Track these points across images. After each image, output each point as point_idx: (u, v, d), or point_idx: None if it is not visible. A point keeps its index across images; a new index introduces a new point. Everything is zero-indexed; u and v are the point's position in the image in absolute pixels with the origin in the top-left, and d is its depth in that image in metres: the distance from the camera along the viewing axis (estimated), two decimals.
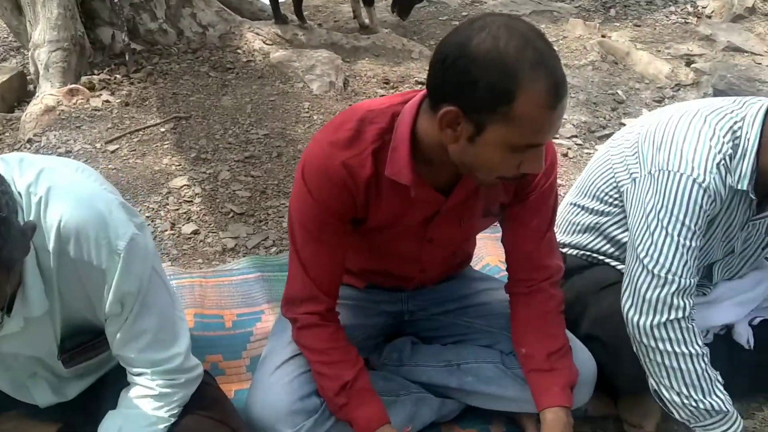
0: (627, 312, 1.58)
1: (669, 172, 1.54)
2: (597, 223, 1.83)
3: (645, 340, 1.56)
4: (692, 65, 3.94)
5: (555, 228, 1.99)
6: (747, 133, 1.54)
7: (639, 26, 4.59)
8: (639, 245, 1.57)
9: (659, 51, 4.21)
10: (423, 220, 1.49)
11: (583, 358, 1.66)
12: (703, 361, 1.54)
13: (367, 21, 4.40)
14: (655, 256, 1.53)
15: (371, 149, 1.35)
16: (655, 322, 1.53)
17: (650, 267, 1.54)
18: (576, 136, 3.25)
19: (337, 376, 1.49)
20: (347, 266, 1.69)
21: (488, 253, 2.38)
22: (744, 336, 1.89)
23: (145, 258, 1.25)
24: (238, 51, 3.80)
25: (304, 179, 1.39)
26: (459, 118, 1.20)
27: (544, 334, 1.58)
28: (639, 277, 1.56)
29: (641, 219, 1.58)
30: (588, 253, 1.87)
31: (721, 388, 1.55)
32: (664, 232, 1.53)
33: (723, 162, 1.52)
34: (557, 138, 3.26)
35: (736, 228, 1.68)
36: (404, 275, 1.70)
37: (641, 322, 1.55)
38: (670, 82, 3.83)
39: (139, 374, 1.32)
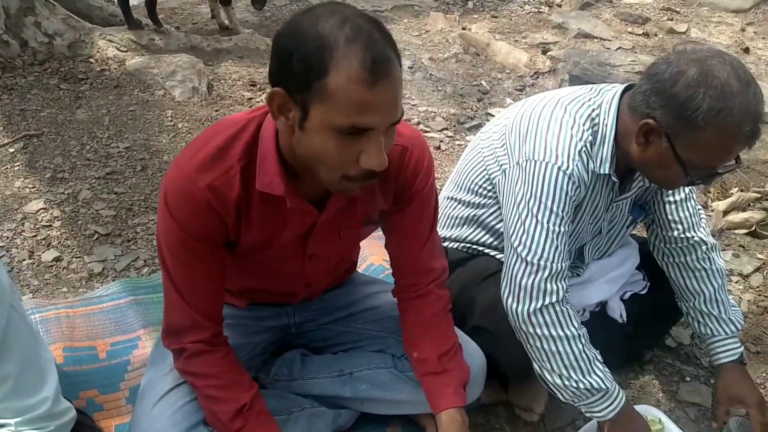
0: (506, 300, 1.62)
1: (535, 161, 1.58)
2: (474, 215, 1.86)
3: (524, 327, 1.60)
4: (548, 53, 4.12)
5: (441, 221, 2.02)
6: (604, 119, 1.61)
7: (496, 17, 4.75)
8: (512, 234, 1.61)
9: (517, 41, 4.37)
10: (300, 237, 1.44)
11: (472, 353, 1.68)
12: (580, 342, 1.60)
13: (226, 22, 4.26)
14: (528, 243, 1.57)
15: (239, 167, 1.28)
16: (532, 308, 1.58)
17: (524, 255, 1.58)
18: (446, 129, 3.31)
19: (232, 399, 1.42)
20: (226, 287, 1.61)
21: (372, 253, 2.36)
22: (617, 311, 1.98)
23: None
24: (91, 60, 3.56)
25: (167, 207, 1.30)
26: (288, 103, 1.14)
27: (434, 336, 1.58)
28: (514, 265, 1.59)
29: (513, 209, 1.62)
30: (468, 245, 1.90)
31: (601, 366, 1.62)
32: (534, 220, 1.57)
33: (584, 149, 1.58)
34: (429, 131, 3.30)
35: (602, 210, 1.76)
36: (288, 292, 1.65)
37: (519, 309, 1.59)
38: (529, 70, 3.99)
39: (2, 426, 1.19)
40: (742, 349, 1.87)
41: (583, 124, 1.60)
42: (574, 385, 1.59)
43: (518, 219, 1.60)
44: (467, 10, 4.86)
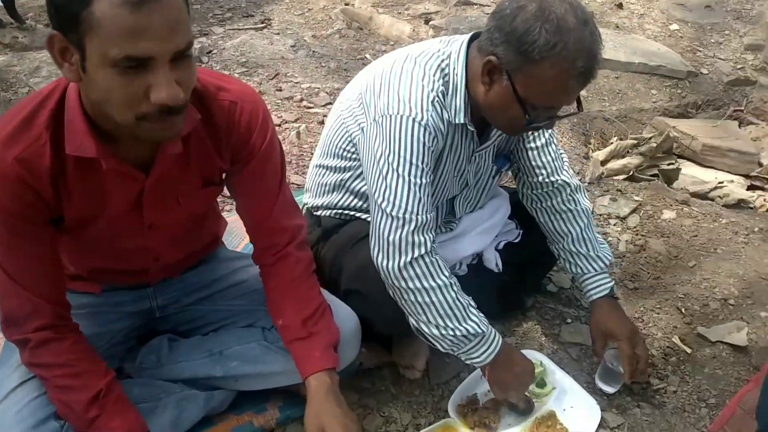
0: (376, 258, 1.60)
1: (390, 116, 1.56)
2: (341, 180, 1.83)
3: (396, 282, 1.59)
4: (430, 23, 4.14)
5: (307, 193, 1.98)
6: (454, 68, 1.61)
7: None
8: (375, 191, 1.59)
9: (400, 13, 4.37)
10: (132, 206, 1.37)
11: (344, 315, 1.66)
12: (453, 290, 1.60)
13: None
14: (391, 198, 1.56)
15: (47, 135, 1.20)
16: (401, 262, 1.56)
17: (388, 210, 1.56)
18: (330, 104, 3.27)
19: (86, 387, 1.35)
20: (75, 271, 1.53)
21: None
22: (492, 261, 2.00)
23: None
24: None
25: None
26: (66, 46, 1.08)
27: (297, 301, 1.54)
28: (380, 222, 1.58)
29: (374, 165, 1.60)
30: (340, 211, 1.87)
31: (475, 311, 1.63)
32: (395, 174, 1.56)
33: (437, 99, 1.57)
34: (312, 107, 3.26)
35: (464, 161, 1.76)
36: (138, 269, 1.57)
37: (389, 265, 1.58)
38: (412, 41, 3.99)
39: None
40: (612, 284, 1.92)
41: (434, 75, 1.59)
42: (452, 333, 1.59)
43: (379, 175, 1.58)
44: None
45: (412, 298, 1.59)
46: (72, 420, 1.37)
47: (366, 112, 1.66)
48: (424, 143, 1.56)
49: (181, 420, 1.58)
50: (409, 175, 1.56)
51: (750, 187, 3.12)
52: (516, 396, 1.71)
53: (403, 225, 1.56)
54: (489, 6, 4.33)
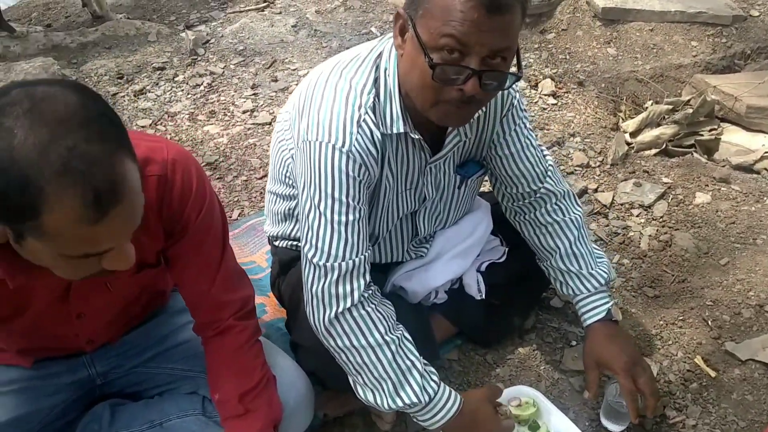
0: (306, 312, 1.43)
1: (310, 142, 1.35)
2: (289, 208, 1.64)
3: (325, 340, 1.41)
4: None
5: (266, 219, 1.79)
6: (386, 70, 1.37)
7: None
8: (301, 234, 1.40)
9: None
10: (57, 298, 1.25)
11: (292, 381, 1.49)
12: (389, 349, 1.39)
13: (97, 9, 3.93)
14: (314, 242, 1.37)
15: None
16: (326, 318, 1.38)
17: (310, 257, 1.38)
18: None
19: None
20: (1, 346, 1.41)
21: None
22: (473, 287, 1.78)
23: None
24: None
25: None
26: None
27: (236, 374, 1.39)
28: (305, 270, 1.40)
29: (299, 201, 1.41)
30: (294, 242, 1.68)
31: (417, 374, 1.41)
32: (317, 213, 1.36)
33: (364, 117, 1.34)
34: None
35: (416, 174, 1.52)
36: (72, 348, 1.44)
37: (316, 321, 1.40)
38: None
39: None
40: (610, 305, 1.65)
41: (363, 88, 1.36)
42: (386, 404, 1.41)
43: (303, 214, 1.39)
44: None
45: (344, 357, 1.41)
46: None
47: (294, 136, 1.45)
48: (347, 174, 1.34)
49: None
50: (332, 213, 1.35)
51: None
52: None
53: (326, 274, 1.37)
54: None
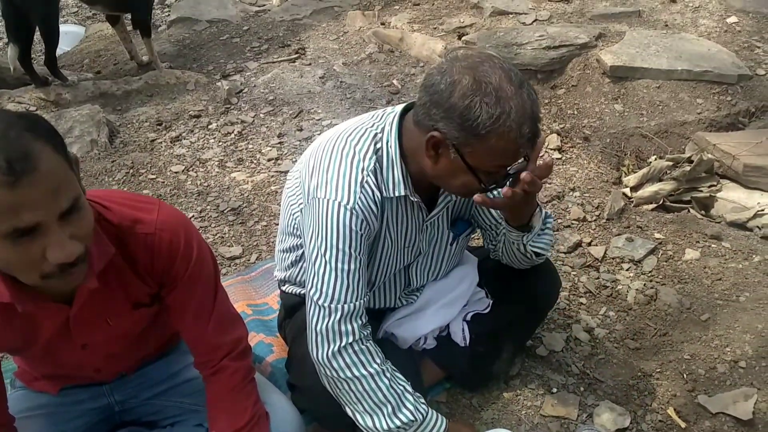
0: (309, 348, 1.60)
1: (319, 199, 1.56)
2: (297, 257, 1.83)
3: (327, 372, 1.58)
4: (463, 38, 4.00)
5: (276, 266, 1.99)
6: (387, 142, 1.58)
7: (417, 4, 4.62)
8: (307, 278, 1.59)
9: (435, 28, 4.25)
10: (62, 331, 1.43)
11: (283, 419, 1.66)
12: (385, 377, 1.57)
13: (144, 58, 4.25)
14: (319, 286, 1.55)
15: None
16: (330, 352, 1.56)
17: (315, 299, 1.56)
18: None
19: None
20: (32, 373, 1.62)
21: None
22: (459, 334, 1.94)
23: None
24: None
25: None
26: None
27: (229, 412, 1.56)
28: (310, 310, 1.58)
29: (307, 250, 1.60)
30: (300, 288, 1.87)
31: (412, 398, 1.59)
32: (323, 261, 1.55)
33: (368, 180, 1.55)
34: None
35: (414, 232, 1.71)
36: (85, 376, 1.64)
37: (318, 355, 1.57)
38: (444, 60, 3.87)
39: None
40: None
41: (365, 153, 1.57)
42: (385, 425, 1.57)
43: (309, 261, 1.58)
44: (388, 2, 4.73)
45: (345, 387, 1.57)
46: None
47: (303, 193, 1.65)
48: (351, 228, 1.53)
49: None
50: (336, 261, 1.54)
51: None
52: None
53: (330, 314, 1.54)
54: (527, 14, 4.13)
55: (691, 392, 2.00)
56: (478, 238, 2.51)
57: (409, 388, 1.60)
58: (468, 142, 1.42)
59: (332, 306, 1.54)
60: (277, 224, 2.71)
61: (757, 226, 2.66)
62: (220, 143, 3.34)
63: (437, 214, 1.72)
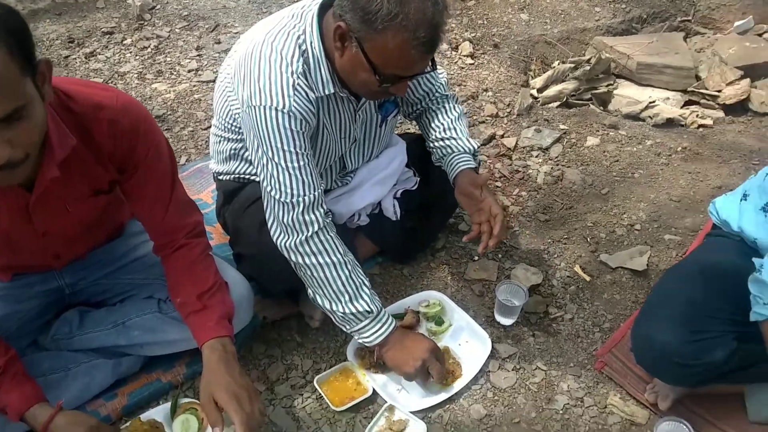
0: (275, 237, 1.70)
1: (255, 107, 1.62)
2: (235, 149, 1.91)
3: (294, 257, 1.70)
4: None
5: (211, 159, 2.07)
6: (311, 42, 1.65)
7: None
8: (262, 179, 1.68)
9: None
10: (22, 217, 1.48)
11: (234, 281, 1.78)
12: (346, 268, 1.71)
13: None
14: (277, 186, 1.65)
15: None
16: (298, 240, 1.67)
17: (277, 197, 1.65)
18: None
19: None
20: None
21: None
22: (390, 210, 2.10)
23: None
24: None
25: None
26: None
27: (193, 281, 1.66)
28: (273, 206, 1.68)
29: (254, 155, 1.68)
30: (238, 176, 1.97)
31: (368, 291, 1.74)
32: (273, 164, 1.64)
33: (298, 82, 1.62)
34: None
35: (349, 123, 1.83)
36: (41, 264, 1.70)
37: (288, 243, 1.68)
38: None
39: None
40: (475, 166, 1.95)
41: (292, 57, 1.63)
42: (341, 309, 1.71)
43: (260, 164, 1.67)
44: None
45: (309, 272, 1.70)
46: None
47: (239, 98, 1.71)
48: (291, 129, 1.62)
49: (90, 386, 1.74)
50: (286, 162, 1.63)
51: (688, 103, 3.12)
52: (414, 374, 1.77)
53: (293, 207, 1.65)
54: None
55: (594, 252, 2.27)
56: (402, 123, 2.67)
57: (367, 283, 1.74)
58: (368, 36, 1.51)
59: (294, 201, 1.64)
60: (204, 129, 2.78)
61: (649, 116, 2.94)
62: (137, 57, 3.31)
63: (365, 103, 1.83)
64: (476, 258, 2.24)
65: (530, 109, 2.95)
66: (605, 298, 2.13)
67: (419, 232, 2.20)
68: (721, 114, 3.01)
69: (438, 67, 2.00)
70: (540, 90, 3.17)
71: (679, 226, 2.34)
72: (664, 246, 2.27)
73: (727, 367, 1.65)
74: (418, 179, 2.13)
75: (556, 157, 2.68)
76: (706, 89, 3.09)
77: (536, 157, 2.69)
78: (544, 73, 3.27)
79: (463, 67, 3.22)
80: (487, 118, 2.88)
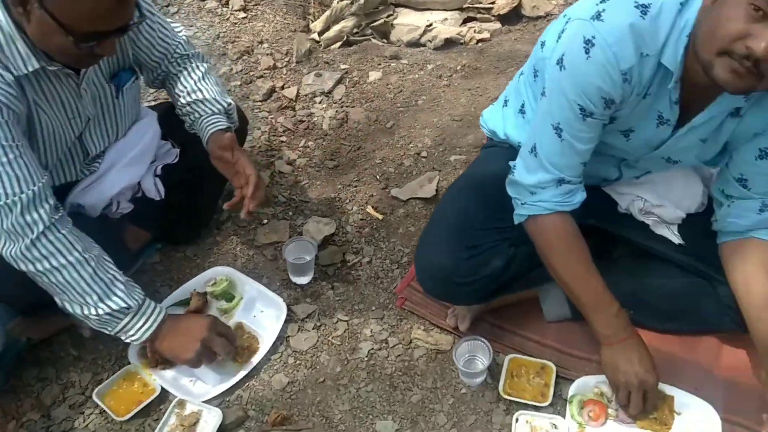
0: (1, 248, 1.48)
1: None
2: None
3: (24, 266, 1.49)
4: None
5: None
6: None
7: None
8: None
9: None
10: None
11: None
12: (89, 266, 1.52)
13: None
14: None
15: None
16: (23, 246, 1.47)
17: None
18: None
19: None
20: None
21: None
22: (152, 190, 1.91)
23: None
24: None
25: None
26: None
27: None
28: None
29: None
30: None
31: (122, 286, 1.56)
32: None
33: None
34: None
35: (72, 101, 1.62)
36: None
37: (13, 252, 1.47)
38: None
39: None
40: (227, 126, 1.81)
41: None
42: (95, 312, 1.54)
43: None
44: None
45: (47, 279, 1.50)
46: None
47: None
48: None
49: None
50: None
51: (467, 20, 3.10)
52: (197, 358, 1.64)
53: (10, 211, 1.44)
54: None
55: (385, 189, 2.20)
56: (158, 92, 2.47)
57: (120, 277, 1.57)
58: None
59: (9, 201, 1.44)
60: None
61: (429, 40, 2.89)
62: None
63: (88, 75, 1.62)
64: (265, 222, 2.11)
65: (310, 54, 2.82)
66: (401, 232, 2.07)
67: (191, 208, 2.02)
68: (498, 25, 3.02)
69: (173, 23, 1.83)
70: (321, 33, 3.03)
71: (462, 145, 2.31)
72: (451, 168, 2.24)
73: (509, 275, 1.64)
74: (179, 150, 1.95)
75: (340, 99, 2.57)
76: (480, 3, 3.08)
77: (320, 103, 2.57)
78: (322, 14, 3.14)
79: (235, 23, 3.01)
80: (265, 71, 2.72)
